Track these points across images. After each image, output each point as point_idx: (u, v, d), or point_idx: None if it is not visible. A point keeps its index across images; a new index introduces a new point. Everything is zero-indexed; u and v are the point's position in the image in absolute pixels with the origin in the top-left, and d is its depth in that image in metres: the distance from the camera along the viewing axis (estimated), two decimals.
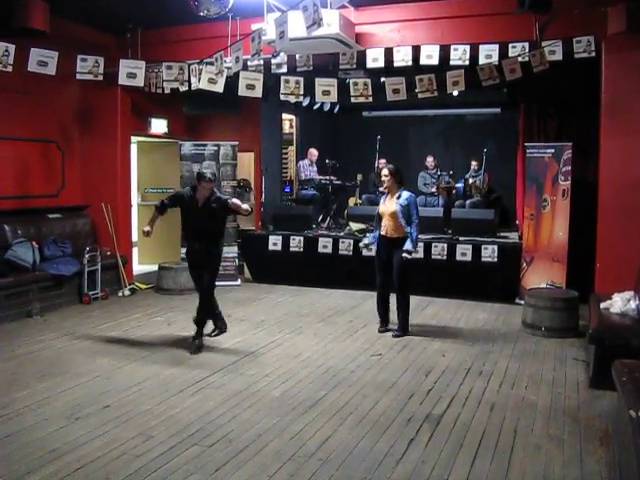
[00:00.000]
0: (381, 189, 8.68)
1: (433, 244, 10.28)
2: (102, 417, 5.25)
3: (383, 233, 7.82)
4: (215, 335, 7.73)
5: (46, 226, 9.86)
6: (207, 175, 7.12)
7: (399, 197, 7.84)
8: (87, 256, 9.66)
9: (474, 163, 12.58)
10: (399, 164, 8.15)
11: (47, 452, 4.61)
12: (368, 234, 8.10)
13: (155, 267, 10.90)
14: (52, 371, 6.43)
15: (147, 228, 7.22)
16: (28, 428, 5.04)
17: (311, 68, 9.10)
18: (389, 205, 7.79)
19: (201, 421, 5.19)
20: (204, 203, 7.20)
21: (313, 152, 13.34)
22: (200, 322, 7.34)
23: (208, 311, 7.45)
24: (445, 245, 10.23)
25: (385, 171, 7.80)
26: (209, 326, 7.65)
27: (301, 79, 8.49)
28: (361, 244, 8.43)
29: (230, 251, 11.41)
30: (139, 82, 8.20)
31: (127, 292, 10.30)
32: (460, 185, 12.52)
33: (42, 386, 5.98)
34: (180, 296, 10.06)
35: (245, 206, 7.09)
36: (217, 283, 10.80)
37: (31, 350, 7.18)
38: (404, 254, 7.60)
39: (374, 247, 7.96)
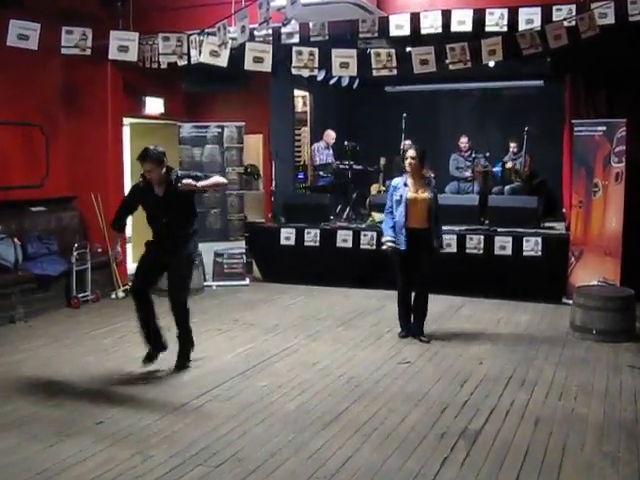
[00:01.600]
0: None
1: (468, 236, 10.26)
2: (95, 434, 5.29)
3: (409, 225, 7.76)
4: (147, 361, 6.87)
5: (29, 220, 9.94)
6: (143, 154, 6.48)
7: (429, 182, 7.86)
8: (75, 254, 9.73)
9: (513, 144, 12.53)
10: (428, 146, 8.15)
11: (34, 474, 4.65)
12: (385, 231, 7.93)
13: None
14: (38, 383, 6.49)
15: (117, 253, 6.87)
16: (13, 447, 5.08)
17: (327, 37, 9.10)
18: (420, 191, 7.79)
19: (206, 438, 5.22)
20: (165, 193, 6.60)
21: (330, 134, 13.35)
22: (186, 343, 6.93)
23: (187, 324, 6.92)
24: (481, 237, 10.21)
25: (412, 152, 7.79)
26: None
27: (315, 50, 8.49)
28: (385, 244, 7.97)
29: (237, 247, 11.47)
30: (132, 56, 8.24)
31: (121, 294, 10.36)
32: (498, 169, 12.47)
33: (27, 399, 6.04)
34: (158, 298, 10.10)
35: (203, 183, 6.49)
36: (222, 283, 10.86)
37: (15, 359, 7.25)
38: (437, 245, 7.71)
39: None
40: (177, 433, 5.32)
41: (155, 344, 6.87)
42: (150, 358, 6.86)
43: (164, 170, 6.60)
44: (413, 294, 7.98)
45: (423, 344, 7.78)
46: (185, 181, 6.45)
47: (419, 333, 7.95)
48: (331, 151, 13.36)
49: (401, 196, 7.77)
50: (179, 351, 6.92)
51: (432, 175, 9.84)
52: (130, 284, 6.91)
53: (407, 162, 7.82)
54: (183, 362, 6.90)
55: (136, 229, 11.95)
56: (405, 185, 7.80)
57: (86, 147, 10.73)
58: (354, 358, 7.31)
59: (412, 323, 8.05)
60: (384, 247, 7.99)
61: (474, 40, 8.27)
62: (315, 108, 14.60)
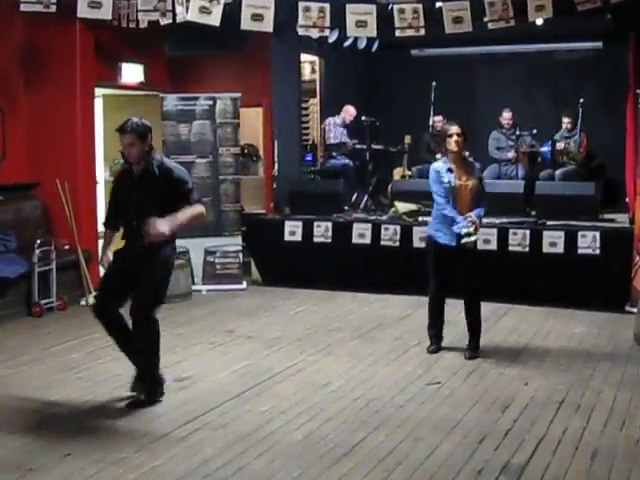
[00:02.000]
0: (437, 157, 8.59)
1: (511, 231, 10.25)
2: (62, 469, 5.28)
3: None
4: (131, 405, 6.54)
5: None
6: (124, 124, 6.36)
7: (473, 167, 7.85)
8: (38, 252, 9.76)
9: (566, 120, 12.49)
10: (462, 122, 8.05)
11: None
12: (458, 218, 7.80)
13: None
14: None
15: (105, 259, 6.59)
16: None
17: None
18: (464, 178, 7.75)
19: (194, 475, 5.20)
20: (140, 176, 6.48)
21: (350, 110, 13.32)
22: (144, 370, 6.63)
23: (154, 351, 6.58)
24: (527, 232, 10.20)
25: (457, 128, 7.69)
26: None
27: (327, 6, 8.50)
28: (465, 235, 7.60)
29: (232, 243, 11.47)
30: (105, 14, 8.28)
31: (92, 300, 10.29)
32: (547, 149, 12.43)
33: None
34: (166, 304, 10.10)
35: (181, 217, 6.25)
36: (214, 287, 10.86)
37: None
38: (471, 238, 7.60)
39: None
40: (159, 468, 5.31)
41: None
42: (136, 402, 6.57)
43: (147, 148, 6.48)
44: (464, 302, 7.99)
45: (458, 360, 7.76)
46: (152, 230, 6.15)
47: (473, 351, 7.92)
48: (346, 129, 13.34)
49: (449, 183, 7.72)
50: (144, 388, 6.59)
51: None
52: (94, 302, 6.76)
53: (451, 141, 7.67)
54: (150, 398, 6.57)
55: None
56: (449, 171, 7.75)
57: (50, 123, 10.74)
58: (373, 378, 7.29)
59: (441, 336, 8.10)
60: (465, 240, 7.63)
61: None
62: (326, 76, 14.59)
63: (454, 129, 7.72)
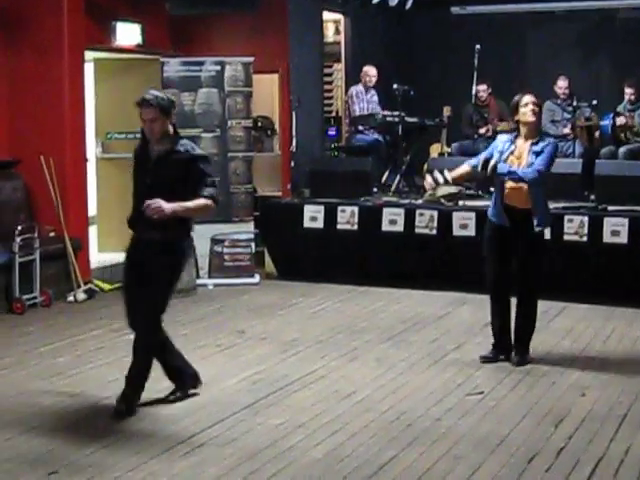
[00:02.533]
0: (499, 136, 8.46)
1: (566, 217, 10.22)
2: None
3: (505, 201, 7.78)
4: (174, 399, 6.95)
5: None
6: (146, 96, 6.50)
7: (536, 143, 7.80)
8: (19, 240, 9.81)
9: (629, 90, 12.39)
10: (512, 91, 8.08)
11: None
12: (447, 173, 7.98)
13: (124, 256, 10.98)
14: None
15: None
16: None
17: None
18: (522, 156, 7.73)
19: None
20: (159, 157, 6.66)
21: (369, 71, 13.29)
22: (132, 381, 6.76)
23: (146, 366, 6.77)
24: (585, 219, 10.17)
25: (531, 97, 7.72)
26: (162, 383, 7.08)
27: None
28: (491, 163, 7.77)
29: (242, 231, 11.47)
30: None
31: (82, 295, 10.41)
32: (607, 122, 12.36)
33: None
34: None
35: (185, 205, 6.40)
36: (222, 281, 10.88)
37: None
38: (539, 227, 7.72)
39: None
40: None
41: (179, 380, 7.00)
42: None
43: (170, 127, 6.65)
44: (514, 300, 7.96)
45: (504, 368, 7.74)
46: (151, 201, 6.29)
47: (518, 354, 7.89)
48: (375, 97, 13.30)
49: (501, 155, 7.76)
50: (124, 391, 6.69)
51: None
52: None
53: (527, 110, 7.70)
54: (126, 406, 6.65)
55: (102, 207, 12.03)
56: (512, 143, 7.79)
57: (34, 92, 10.76)
58: (405, 387, 7.29)
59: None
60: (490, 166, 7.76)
61: None
62: (352, 37, 14.57)
63: (527, 98, 7.75)
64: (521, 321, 7.96)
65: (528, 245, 7.79)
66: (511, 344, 8.01)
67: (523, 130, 7.77)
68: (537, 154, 7.66)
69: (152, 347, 6.76)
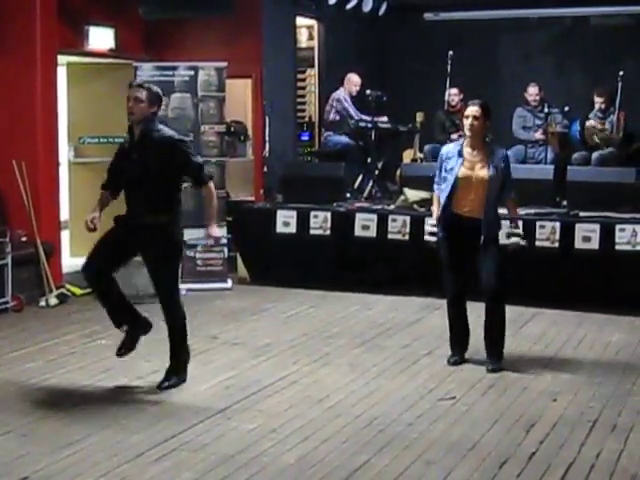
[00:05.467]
0: (453, 137, 8.57)
1: (538, 223, 10.25)
2: None
3: (459, 211, 7.80)
4: (167, 386, 7.32)
5: None
6: (140, 83, 7.50)
7: (492, 154, 7.82)
8: None
9: (599, 99, 12.42)
10: (482, 97, 8.08)
11: None
12: (430, 217, 8.02)
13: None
14: None
15: (91, 216, 7.14)
16: None
17: None
18: (477, 167, 7.76)
19: None
20: (140, 139, 7.19)
21: (353, 79, 13.27)
22: (176, 353, 7.43)
23: (183, 336, 7.46)
24: (557, 225, 10.20)
25: (474, 109, 7.68)
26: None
27: None
28: (427, 233, 8.20)
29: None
30: None
31: (53, 300, 10.36)
32: (575, 129, 12.43)
33: None
34: (138, 305, 10.08)
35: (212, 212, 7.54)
36: (195, 286, 10.96)
37: None
38: (515, 240, 7.94)
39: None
40: None
41: (133, 324, 7.45)
42: (129, 344, 7.37)
43: (151, 113, 7.17)
44: (482, 306, 8.00)
45: (476, 373, 7.76)
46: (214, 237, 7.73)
47: (495, 363, 7.92)
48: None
49: (451, 170, 7.76)
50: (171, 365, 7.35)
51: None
52: (84, 262, 7.22)
53: (467, 123, 7.73)
54: (179, 377, 7.35)
55: (75, 211, 11.94)
56: (459, 155, 7.77)
57: (5, 96, 10.70)
58: (378, 392, 7.29)
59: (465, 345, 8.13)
60: (426, 238, 8.16)
61: None
62: (326, 43, 14.56)
63: (469, 110, 7.74)
64: (493, 327, 7.97)
65: (492, 255, 7.84)
66: (467, 347, 8.11)
67: (467, 139, 7.81)
68: (499, 170, 7.73)
69: (183, 317, 7.41)
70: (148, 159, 7.07)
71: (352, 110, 13.14)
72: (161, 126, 7.32)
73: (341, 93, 13.33)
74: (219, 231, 7.12)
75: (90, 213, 7.20)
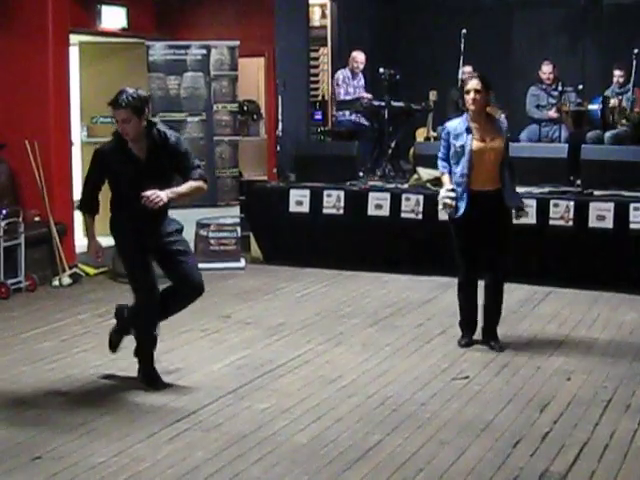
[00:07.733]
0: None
1: (552, 202, 10.21)
2: (31, 474, 5.30)
3: (474, 187, 7.73)
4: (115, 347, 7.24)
5: None
6: (118, 98, 6.58)
7: (496, 123, 7.83)
8: (3, 224, 9.78)
9: (617, 73, 12.39)
10: (496, 75, 8.09)
11: None
12: (446, 186, 7.88)
13: (110, 240, 10.93)
14: None
15: (94, 249, 7.02)
16: None
17: None
18: (489, 139, 7.73)
19: None
20: (149, 154, 6.71)
21: (357, 57, 13.26)
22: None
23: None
24: (571, 204, 10.15)
25: (475, 83, 7.67)
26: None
27: None
28: (441, 202, 7.92)
29: (228, 215, 11.44)
30: None
31: (67, 280, 10.40)
32: (596, 107, 12.36)
33: None
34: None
35: (178, 190, 6.67)
36: (208, 266, 10.97)
37: None
38: (519, 212, 7.82)
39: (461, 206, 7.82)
40: (143, 474, 5.32)
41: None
42: (116, 342, 7.20)
43: (144, 123, 6.63)
44: (482, 283, 7.96)
45: (489, 352, 7.76)
46: (149, 193, 6.43)
47: (489, 337, 7.93)
48: (361, 81, 13.27)
49: (462, 147, 7.71)
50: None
51: (502, 115, 9.76)
52: (140, 283, 7.01)
53: (469, 98, 7.72)
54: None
55: None
56: (468, 131, 7.73)
57: (18, 76, 10.71)
58: (391, 371, 7.29)
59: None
60: (442, 206, 7.92)
61: None
62: (339, 21, 14.51)
63: (470, 84, 7.71)
64: (490, 305, 7.96)
65: (504, 232, 7.84)
66: (476, 327, 8.07)
67: (471, 114, 7.77)
68: (505, 137, 7.86)
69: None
70: (160, 171, 6.71)
71: (341, 90, 13.10)
72: (158, 125, 6.86)
73: (341, 73, 13.30)
74: (162, 197, 6.39)
75: (91, 246, 7.05)
